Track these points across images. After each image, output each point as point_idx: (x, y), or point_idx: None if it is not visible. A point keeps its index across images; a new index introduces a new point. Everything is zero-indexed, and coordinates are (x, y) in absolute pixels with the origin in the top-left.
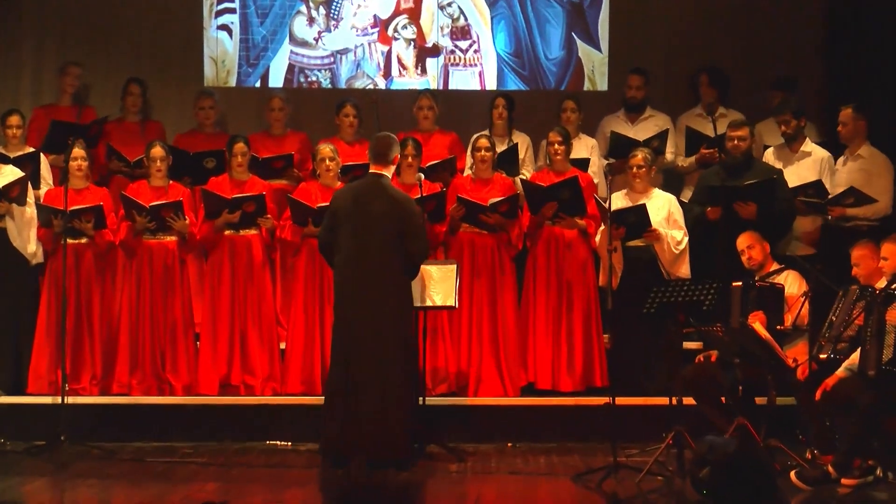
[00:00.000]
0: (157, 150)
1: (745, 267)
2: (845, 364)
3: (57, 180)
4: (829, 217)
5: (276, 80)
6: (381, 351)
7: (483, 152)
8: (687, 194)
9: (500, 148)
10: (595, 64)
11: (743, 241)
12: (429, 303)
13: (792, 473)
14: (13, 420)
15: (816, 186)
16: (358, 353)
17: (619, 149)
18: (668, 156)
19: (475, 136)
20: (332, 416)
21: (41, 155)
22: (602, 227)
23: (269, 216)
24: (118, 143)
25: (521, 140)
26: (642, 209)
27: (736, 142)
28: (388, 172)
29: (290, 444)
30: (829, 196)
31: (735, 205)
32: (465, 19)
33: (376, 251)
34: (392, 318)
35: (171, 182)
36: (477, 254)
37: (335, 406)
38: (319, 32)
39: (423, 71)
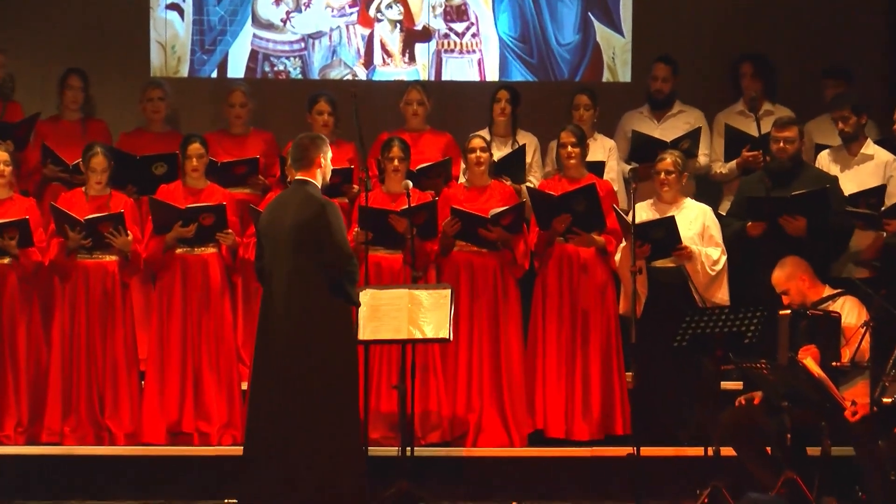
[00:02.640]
0: (98, 161)
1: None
2: None
3: None
4: (884, 232)
5: (237, 69)
6: (310, 389)
7: (478, 153)
8: (727, 206)
9: (503, 150)
10: (616, 50)
11: (777, 282)
12: (418, 335)
13: None
14: None
15: (879, 194)
16: (282, 395)
17: (641, 151)
18: (702, 158)
19: (470, 137)
20: (252, 469)
21: None
22: (623, 244)
23: (229, 231)
24: (55, 147)
25: (528, 141)
26: (671, 222)
27: (782, 144)
28: (315, 177)
29: None
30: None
31: (781, 219)
32: None
33: (291, 272)
34: (321, 351)
35: (111, 191)
36: (476, 276)
37: (257, 458)
38: (288, 13)
39: (412, 59)
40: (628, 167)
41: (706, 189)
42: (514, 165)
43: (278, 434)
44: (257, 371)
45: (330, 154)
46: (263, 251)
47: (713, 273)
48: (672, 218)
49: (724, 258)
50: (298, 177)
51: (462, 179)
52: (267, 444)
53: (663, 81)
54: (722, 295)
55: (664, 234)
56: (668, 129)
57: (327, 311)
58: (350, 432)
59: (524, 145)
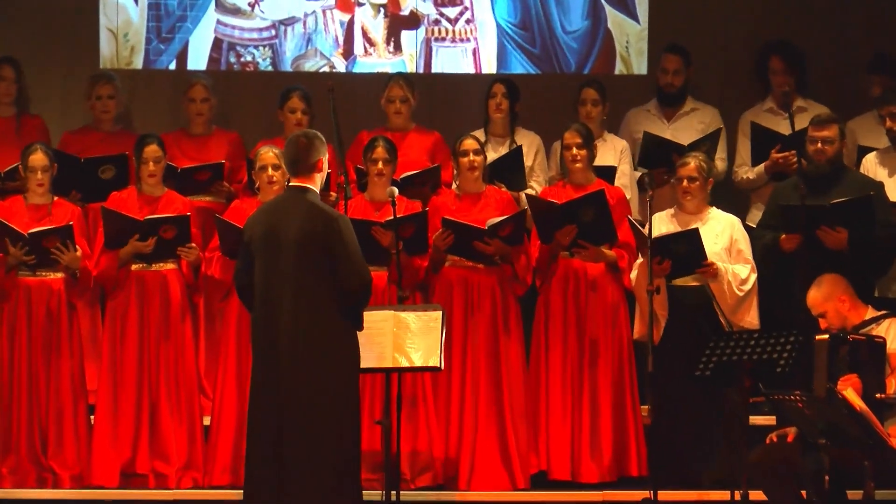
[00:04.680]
0: (38, 158)
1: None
2: None
3: None
4: None
5: (198, 60)
6: (311, 425)
7: (471, 156)
8: (755, 216)
9: (501, 151)
10: (630, 39)
11: (813, 303)
12: (405, 363)
13: None
14: None
15: None
16: (281, 431)
17: (653, 155)
18: (719, 164)
19: (462, 138)
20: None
21: None
22: (640, 260)
23: (193, 245)
24: None
25: (529, 141)
26: (694, 235)
27: (820, 144)
28: (315, 184)
29: None
30: None
31: (819, 231)
32: None
33: (296, 291)
34: (325, 381)
35: (55, 199)
36: (471, 295)
37: (257, 499)
38: None
39: (398, 48)
40: (644, 171)
41: (728, 198)
42: (509, 169)
43: (278, 471)
44: (254, 410)
45: (328, 156)
46: (250, 266)
47: (741, 293)
48: (696, 230)
49: (753, 276)
50: (295, 183)
51: (454, 185)
52: (270, 489)
53: (674, 75)
54: (751, 318)
55: (686, 249)
56: (681, 130)
57: (337, 337)
58: (353, 469)
59: (520, 146)
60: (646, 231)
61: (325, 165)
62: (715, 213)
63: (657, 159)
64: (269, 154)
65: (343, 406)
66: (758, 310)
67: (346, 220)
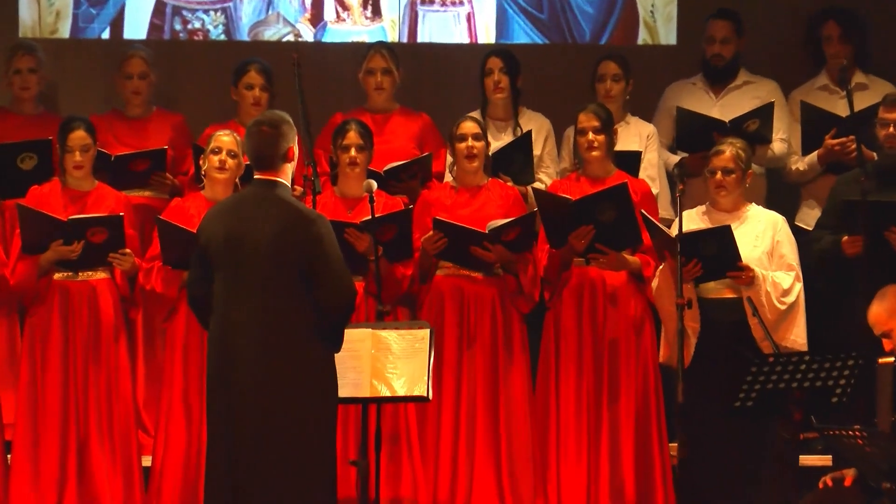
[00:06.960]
0: None
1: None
2: None
3: None
4: None
5: (136, 28)
6: (281, 466)
7: (469, 142)
8: (807, 216)
9: (502, 138)
10: (656, 3)
11: (876, 320)
12: (385, 391)
13: None
14: None
15: None
16: (244, 474)
17: (693, 136)
18: (778, 145)
19: (460, 120)
20: None
21: None
22: (662, 266)
23: (128, 251)
24: None
25: (536, 126)
26: (726, 233)
27: (892, 129)
28: (285, 176)
29: None
30: None
31: (888, 232)
32: None
33: (265, 307)
34: (296, 415)
35: None
36: (467, 310)
37: None
38: None
39: (376, 12)
40: (674, 160)
41: (779, 190)
42: (516, 159)
43: None
44: (212, 450)
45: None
46: (207, 275)
47: (783, 306)
48: (727, 227)
49: (798, 286)
50: (259, 177)
51: (448, 178)
52: None
53: (723, 44)
54: (795, 336)
55: (716, 250)
56: (730, 107)
57: (309, 363)
58: None
59: (529, 132)
60: (672, 232)
61: (296, 153)
62: (755, 210)
63: (696, 140)
64: (224, 137)
65: (318, 446)
66: (805, 327)
67: (325, 221)
